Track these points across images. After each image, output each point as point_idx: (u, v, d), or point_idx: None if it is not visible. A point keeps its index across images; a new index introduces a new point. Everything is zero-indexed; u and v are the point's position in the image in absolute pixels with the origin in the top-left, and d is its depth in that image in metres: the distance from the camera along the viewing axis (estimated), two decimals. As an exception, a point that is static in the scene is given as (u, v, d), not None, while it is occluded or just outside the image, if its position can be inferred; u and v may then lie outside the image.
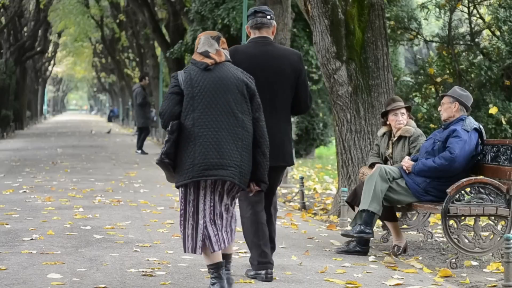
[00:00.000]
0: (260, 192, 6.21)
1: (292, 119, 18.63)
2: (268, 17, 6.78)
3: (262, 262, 6.55)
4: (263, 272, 6.53)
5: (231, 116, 5.87)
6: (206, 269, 6.17)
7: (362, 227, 7.80)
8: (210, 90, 5.87)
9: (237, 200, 6.09)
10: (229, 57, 6.09)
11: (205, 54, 5.96)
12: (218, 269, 5.80)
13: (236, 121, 5.88)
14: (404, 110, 8.52)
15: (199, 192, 5.82)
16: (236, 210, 6.20)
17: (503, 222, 7.45)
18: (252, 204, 6.61)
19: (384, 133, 8.66)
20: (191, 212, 5.83)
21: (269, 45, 6.76)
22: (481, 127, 7.89)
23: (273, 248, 6.78)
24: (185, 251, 5.86)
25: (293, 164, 6.98)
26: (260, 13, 6.76)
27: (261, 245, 6.57)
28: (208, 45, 5.99)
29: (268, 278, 6.51)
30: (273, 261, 6.65)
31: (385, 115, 8.66)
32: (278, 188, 14.74)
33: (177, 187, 5.88)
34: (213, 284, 5.81)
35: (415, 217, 8.89)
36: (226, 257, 6.03)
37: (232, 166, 5.79)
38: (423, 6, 13.01)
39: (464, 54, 13.01)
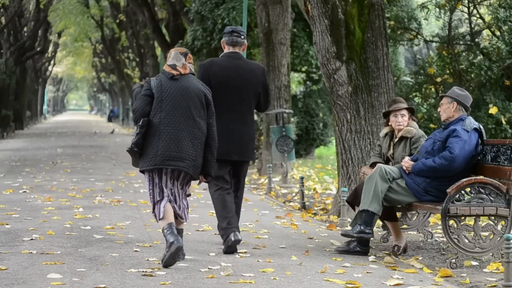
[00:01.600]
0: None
1: (292, 119, 18.69)
2: (242, 37, 8.22)
3: (229, 228, 7.88)
4: (232, 234, 7.80)
5: (190, 119, 7.24)
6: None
7: (362, 227, 7.80)
8: (176, 96, 7.25)
9: (190, 184, 7.45)
10: (193, 70, 7.42)
11: (173, 67, 7.38)
12: (171, 227, 7.09)
13: (194, 123, 7.25)
14: (405, 112, 8.51)
15: (162, 177, 7.24)
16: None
17: (503, 222, 7.44)
18: (219, 188, 8.09)
19: (386, 134, 8.66)
20: (157, 192, 7.25)
21: (239, 59, 8.22)
22: (481, 127, 7.89)
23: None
24: (157, 220, 7.25)
25: (255, 159, 8.42)
26: (235, 33, 8.20)
27: (228, 217, 7.97)
28: (176, 60, 7.41)
29: (236, 237, 7.80)
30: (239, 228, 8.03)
31: (386, 115, 8.67)
32: (278, 188, 14.86)
33: (142, 171, 7.30)
34: (168, 238, 7.03)
35: (415, 217, 8.89)
36: (179, 231, 7.28)
37: (188, 160, 7.19)
38: (423, 6, 13.00)
39: (464, 54, 13.00)
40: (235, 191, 8.24)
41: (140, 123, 7.20)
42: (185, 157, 7.17)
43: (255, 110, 8.40)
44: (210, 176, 7.47)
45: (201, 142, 7.29)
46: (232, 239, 7.76)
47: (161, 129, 7.17)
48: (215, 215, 8.39)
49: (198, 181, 7.48)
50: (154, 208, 7.26)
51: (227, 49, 8.23)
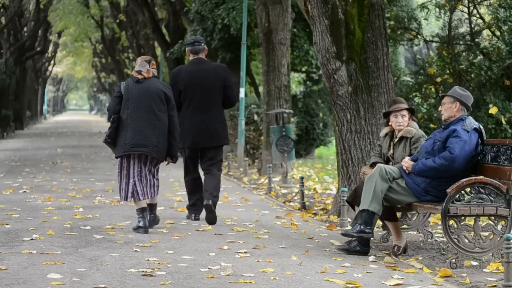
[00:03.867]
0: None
1: (292, 119, 18.70)
2: (202, 44, 10.03)
3: (193, 209, 10.01)
4: (193, 215, 9.96)
5: (152, 113, 9.03)
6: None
7: (362, 227, 7.80)
8: (139, 96, 9.05)
9: (158, 167, 9.21)
10: (156, 73, 9.23)
11: (139, 72, 9.15)
12: (143, 212, 8.97)
13: (155, 117, 9.03)
14: (405, 112, 8.51)
15: (129, 161, 9.03)
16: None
17: (503, 222, 7.44)
18: (189, 173, 10.05)
19: (386, 134, 8.66)
20: (124, 174, 9.04)
21: (202, 63, 9.97)
22: (481, 127, 7.88)
23: (216, 197, 9.79)
24: (120, 200, 9.14)
25: (226, 143, 10.12)
26: (197, 43, 9.99)
27: (193, 199, 10.00)
28: (142, 66, 9.17)
29: (196, 219, 9.95)
30: (201, 210, 9.98)
31: (386, 116, 8.67)
32: (278, 188, 14.86)
33: (116, 157, 9.10)
34: (139, 221, 8.97)
35: (415, 217, 8.88)
36: (152, 206, 9.24)
37: (151, 145, 8.97)
38: (423, 6, 13.00)
39: (464, 54, 13.00)
40: (208, 170, 9.93)
41: (111, 119, 9.07)
42: (148, 143, 8.97)
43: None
44: (175, 157, 9.26)
45: (162, 131, 9.06)
46: (193, 218, 9.98)
47: (128, 123, 9.01)
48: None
49: (166, 162, 9.28)
50: (120, 188, 9.04)
51: (192, 57, 10.02)
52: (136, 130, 8.97)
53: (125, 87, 9.15)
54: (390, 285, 6.47)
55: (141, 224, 8.94)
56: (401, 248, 8.20)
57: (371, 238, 7.95)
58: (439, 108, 8.10)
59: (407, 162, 7.99)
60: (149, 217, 9.09)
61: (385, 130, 8.71)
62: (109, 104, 9.22)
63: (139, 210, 8.98)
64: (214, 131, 9.89)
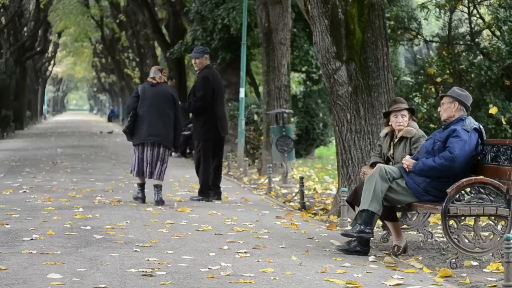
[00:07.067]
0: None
1: (292, 119, 18.71)
2: None
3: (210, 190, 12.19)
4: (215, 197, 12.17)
5: (162, 110, 11.59)
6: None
7: (362, 227, 7.79)
8: (153, 97, 11.61)
9: (166, 154, 11.71)
10: (166, 80, 11.82)
11: (153, 78, 11.74)
12: (142, 186, 11.67)
13: (164, 113, 11.60)
14: (405, 112, 8.50)
15: (144, 148, 11.58)
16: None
17: (503, 222, 7.44)
18: (204, 159, 12.09)
19: (387, 134, 8.65)
20: (138, 157, 11.59)
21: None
22: (481, 127, 7.88)
23: (220, 193, 12.33)
24: (131, 173, 11.84)
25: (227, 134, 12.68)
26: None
27: (207, 181, 12.17)
28: (155, 74, 11.81)
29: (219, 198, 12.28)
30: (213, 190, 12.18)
31: (386, 116, 8.66)
32: (278, 188, 14.91)
33: (134, 145, 11.65)
34: (138, 193, 11.68)
35: (415, 217, 8.88)
36: (158, 186, 11.49)
37: (161, 135, 11.52)
38: (423, 6, 13.01)
39: (464, 54, 13.00)
40: (218, 164, 12.24)
41: (130, 114, 11.63)
42: (159, 134, 11.49)
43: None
44: (177, 147, 12.15)
45: (170, 124, 11.58)
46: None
47: (144, 118, 11.54)
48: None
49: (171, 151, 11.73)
50: (132, 166, 11.63)
51: (209, 62, 12.36)
52: (150, 123, 11.48)
53: (141, 89, 11.69)
54: (390, 285, 6.46)
55: (139, 195, 11.59)
56: (401, 248, 8.20)
57: (371, 238, 7.95)
58: (438, 109, 8.10)
59: (408, 160, 7.99)
60: (158, 197, 11.35)
61: (385, 130, 8.71)
62: (129, 102, 11.86)
63: (140, 185, 11.58)
64: (226, 125, 12.43)
